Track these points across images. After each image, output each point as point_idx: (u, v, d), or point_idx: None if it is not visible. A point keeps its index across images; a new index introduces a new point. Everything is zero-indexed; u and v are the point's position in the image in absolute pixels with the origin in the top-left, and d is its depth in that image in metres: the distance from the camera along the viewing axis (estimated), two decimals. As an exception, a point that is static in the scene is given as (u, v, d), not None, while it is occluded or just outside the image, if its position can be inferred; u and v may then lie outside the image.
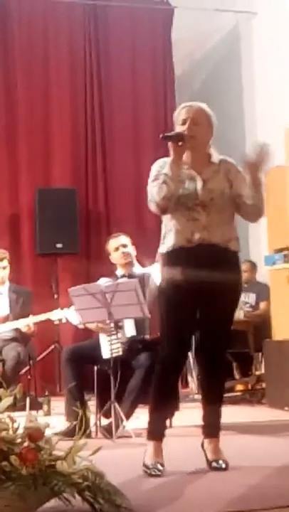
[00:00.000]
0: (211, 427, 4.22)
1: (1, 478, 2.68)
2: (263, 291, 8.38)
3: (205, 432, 4.22)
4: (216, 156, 4.27)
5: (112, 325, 5.57)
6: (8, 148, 9.08)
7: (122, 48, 9.65)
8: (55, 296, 8.66)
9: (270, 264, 7.56)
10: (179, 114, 4.28)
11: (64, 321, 6.84)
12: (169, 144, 4.08)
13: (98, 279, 6.16)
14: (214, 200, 4.12)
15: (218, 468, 4.06)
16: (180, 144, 4.06)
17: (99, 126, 9.41)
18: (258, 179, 4.16)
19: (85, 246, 9.15)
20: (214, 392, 4.27)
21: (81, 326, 6.04)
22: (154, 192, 4.07)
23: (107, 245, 6.33)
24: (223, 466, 4.06)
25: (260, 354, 7.92)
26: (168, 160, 4.15)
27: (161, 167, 4.18)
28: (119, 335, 5.64)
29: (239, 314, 8.14)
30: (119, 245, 6.19)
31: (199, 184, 4.14)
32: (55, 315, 6.86)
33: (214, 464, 4.09)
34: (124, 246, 6.19)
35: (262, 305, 8.39)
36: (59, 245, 8.73)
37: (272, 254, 7.53)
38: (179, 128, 4.20)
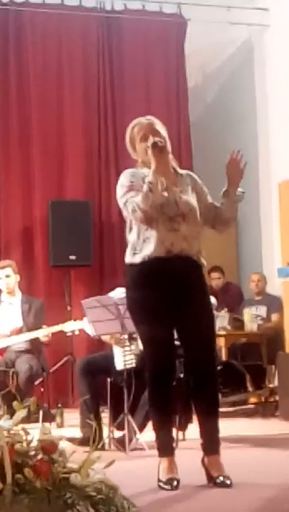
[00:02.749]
0: (211, 443, 4.12)
1: (14, 491, 2.67)
2: (274, 304, 8.38)
3: (205, 449, 4.12)
4: (178, 169, 4.28)
5: (126, 337, 5.57)
6: (22, 161, 9.11)
7: (135, 60, 9.68)
8: (68, 307, 8.66)
9: (284, 277, 7.55)
10: (134, 132, 4.23)
11: (77, 332, 6.86)
12: (150, 152, 4.04)
13: (112, 289, 6.16)
14: (192, 211, 4.14)
15: (223, 485, 3.95)
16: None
17: (112, 138, 9.43)
18: (236, 189, 4.23)
19: (98, 258, 9.17)
20: (208, 407, 4.17)
21: (96, 337, 6.04)
22: (139, 201, 4.01)
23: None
24: (228, 482, 3.95)
25: (273, 367, 7.90)
26: (137, 171, 4.18)
27: (133, 176, 4.17)
28: (133, 347, 5.63)
29: (252, 327, 8.15)
30: None
31: (178, 195, 4.14)
32: (69, 326, 6.88)
33: (218, 481, 3.98)
34: None
35: (273, 317, 8.38)
36: (72, 257, 8.74)
37: (286, 267, 7.52)
38: (138, 145, 4.19)
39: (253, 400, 7.97)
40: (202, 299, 4.17)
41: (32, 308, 7.35)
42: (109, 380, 5.74)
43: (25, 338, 7.10)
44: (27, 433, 2.83)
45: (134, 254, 4.14)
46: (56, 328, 6.95)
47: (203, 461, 4.12)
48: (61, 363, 8.36)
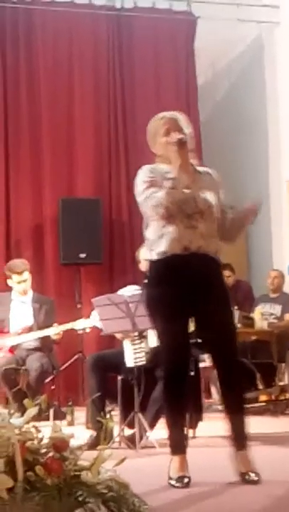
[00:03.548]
0: (238, 439, 4.13)
1: (26, 489, 2.68)
2: (288, 302, 8.33)
3: (233, 445, 4.13)
4: (197, 166, 4.28)
5: (136, 334, 5.57)
6: (32, 159, 9.13)
7: (145, 58, 9.68)
8: (79, 305, 8.67)
9: (294, 274, 7.54)
10: (159, 125, 4.24)
11: (88, 330, 6.87)
12: (175, 149, 4.05)
13: (122, 287, 6.17)
14: (210, 208, 4.13)
15: (250, 481, 3.97)
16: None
17: (122, 135, 9.44)
18: (244, 225, 4.38)
19: (109, 256, 9.17)
20: (235, 403, 4.18)
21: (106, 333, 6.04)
22: (161, 197, 4.02)
23: (137, 253, 6.30)
24: (255, 478, 3.97)
25: (283, 365, 7.89)
26: (155, 167, 4.19)
27: (152, 172, 4.17)
28: (143, 344, 5.63)
29: (263, 325, 8.12)
30: None
31: (197, 192, 4.13)
32: (79, 325, 6.88)
33: (246, 477, 4.00)
34: None
35: (287, 316, 8.33)
36: (82, 255, 8.74)
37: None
38: (160, 139, 4.19)
39: (263, 398, 7.96)
40: (221, 296, 4.16)
41: (43, 307, 7.37)
42: (119, 377, 5.74)
43: (35, 336, 7.11)
44: (38, 431, 2.84)
45: (152, 250, 4.15)
46: (67, 326, 6.96)
47: (232, 457, 4.13)
48: (71, 361, 8.36)
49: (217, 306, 4.12)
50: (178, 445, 4.14)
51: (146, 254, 4.20)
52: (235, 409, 4.17)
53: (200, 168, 4.30)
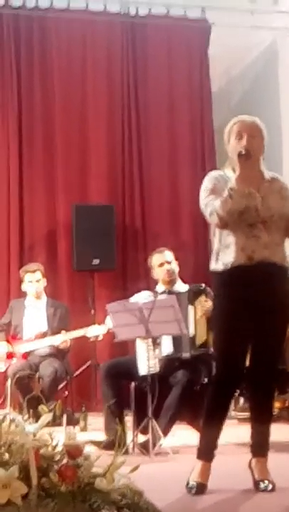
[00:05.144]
0: (260, 446, 4.15)
1: (40, 495, 2.68)
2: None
3: (253, 451, 4.15)
4: (266, 173, 4.23)
5: (150, 341, 5.56)
6: (46, 165, 9.13)
7: (159, 65, 9.68)
8: (92, 312, 8.67)
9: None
10: (233, 128, 4.21)
11: (100, 338, 6.86)
12: (236, 159, 4.02)
13: (137, 292, 6.16)
14: (274, 217, 4.07)
15: (265, 490, 3.98)
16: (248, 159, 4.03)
17: (135, 142, 9.43)
18: None
19: (122, 262, 9.16)
20: (265, 411, 4.22)
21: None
22: (217, 205, 3.99)
23: (150, 260, 6.28)
24: (270, 487, 3.98)
25: (297, 371, 7.85)
26: (222, 174, 4.17)
27: (217, 179, 4.15)
28: (157, 352, 5.62)
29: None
30: (164, 261, 6.14)
31: (259, 201, 4.07)
32: (92, 331, 6.88)
33: (261, 485, 4.01)
34: (169, 262, 6.14)
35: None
36: (96, 261, 8.74)
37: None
38: (233, 142, 4.14)
39: (277, 404, 7.91)
40: (282, 310, 4.12)
41: (57, 313, 7.37)
42: (133, 384, 5.73)
43: (49, 343, 7.11)
44: (53, 437, 2.84)
45: (217, 260, 4.12)
46: (80, 332, 6.96)
47: (250, 464, 4.14)
48: (84, 367, 8.36)
49: (273, 322, 4.08)
50: (206, 451, 4.13)
51: (212, 264, 4.16)
52: (263, 420, 4.20)
53: (269, 175, 4.23)
